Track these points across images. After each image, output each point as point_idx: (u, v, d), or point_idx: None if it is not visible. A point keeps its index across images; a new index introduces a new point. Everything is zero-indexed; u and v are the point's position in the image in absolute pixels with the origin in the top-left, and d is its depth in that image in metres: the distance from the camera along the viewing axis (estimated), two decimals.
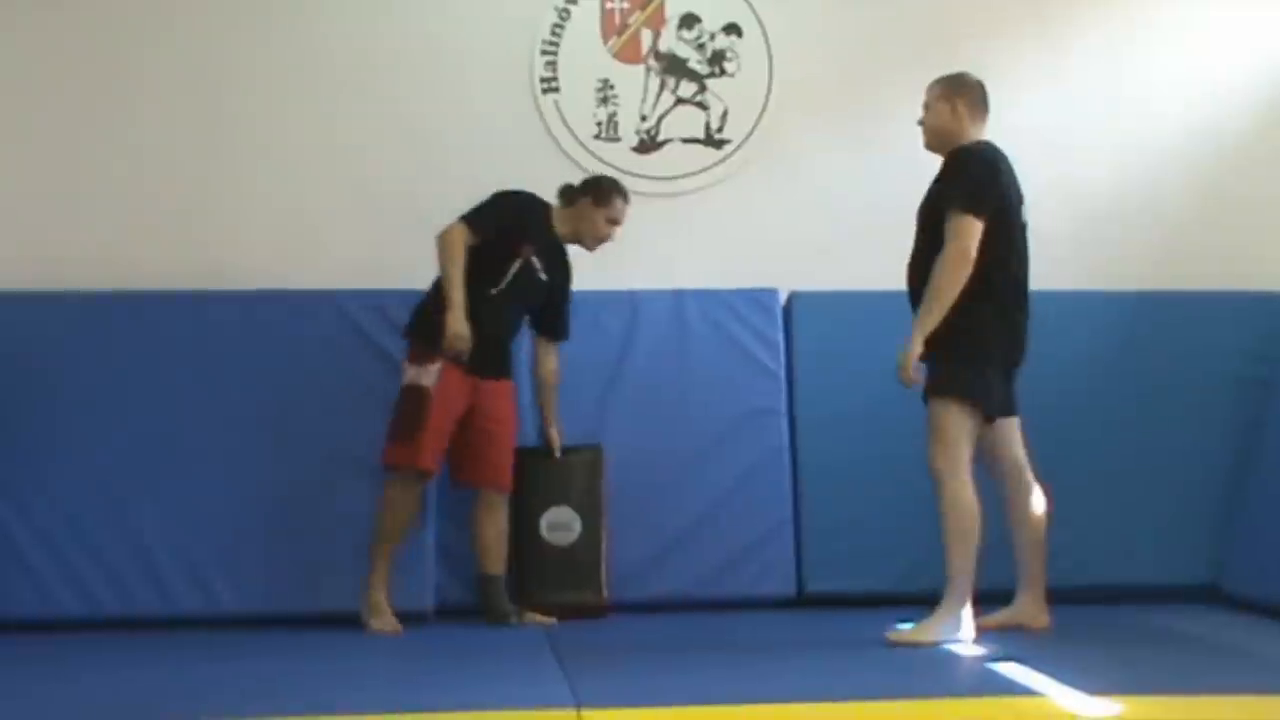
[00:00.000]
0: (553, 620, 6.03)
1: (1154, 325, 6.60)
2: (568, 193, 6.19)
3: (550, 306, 6.22)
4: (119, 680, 5.15)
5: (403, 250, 6.39)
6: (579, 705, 4.50)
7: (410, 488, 5.98)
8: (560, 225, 6.16)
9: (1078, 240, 6.83)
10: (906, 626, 5.59)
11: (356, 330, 6.27)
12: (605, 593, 6.22)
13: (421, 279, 6.06)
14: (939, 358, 5.54)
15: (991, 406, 5.63)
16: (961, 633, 5.52)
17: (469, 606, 6.17)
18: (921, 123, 5.79)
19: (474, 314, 5.90)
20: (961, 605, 5.53)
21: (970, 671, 5.13)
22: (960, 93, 5.74)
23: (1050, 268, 6.68)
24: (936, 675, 5.07)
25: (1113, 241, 6.84)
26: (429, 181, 6.55)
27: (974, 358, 5.57)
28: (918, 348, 5.49)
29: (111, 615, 6.03)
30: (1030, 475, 5.81)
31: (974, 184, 5.56)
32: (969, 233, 5.49)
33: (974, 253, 5.49)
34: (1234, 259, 6.85)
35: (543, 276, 6.10)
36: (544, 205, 6.15)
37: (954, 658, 5.34)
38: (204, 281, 6.38)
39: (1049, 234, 6.79)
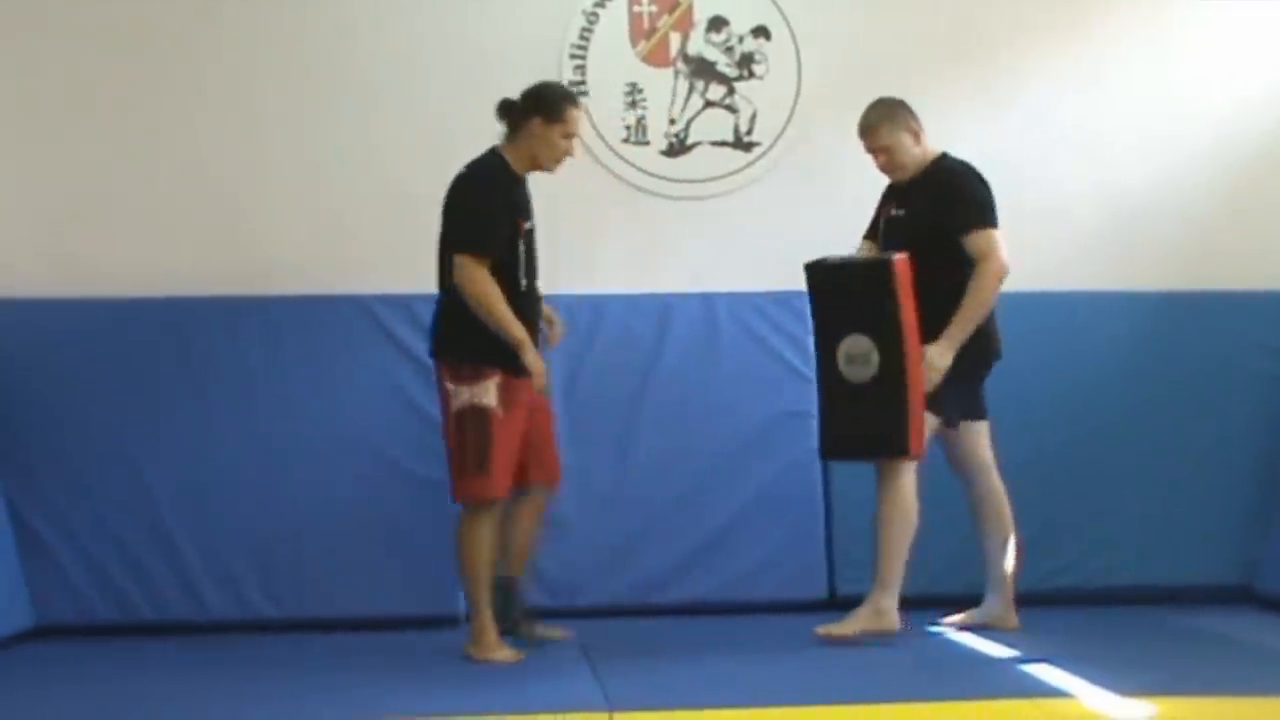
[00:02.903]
0: (569, 635, 5.66)
1: (1184, 324, 6.57)
2: (508, 113, 5.51)
3: None
4: (154, 685, 5.20)
5: (433, 254, 6.39)
6: (611, 708, 4.53)
7: (492, 520, 5.44)
8: (517, 162, 5.51)
9: (1108, 240, 6.80)
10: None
11: (388, 334, 6.28)
12: (908, 437, 5.50)
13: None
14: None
15: (951, 412, 5.65)
16: (885, 624, 5.53)
17: (498, 611, 6.16)
18: (884, 168, 5.77)
19: (518, 315, 5.38)
20: (891, 598, 5.55)
21: (1003, 673, 5.13)
22: (902, 116, 5.73)
23: (1081, 267, 6.71)
24: (969, 677, 5.07)
25: (1143, 241, 6.81)
26: None
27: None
28: (949, 359, 5.54)
29: (145, 621, 6.06)
30: (996, 477, 5.81)
31: (980, 199, 5.63)
32: (998, 246, 5.56)
33: (1007, 265, 5.56)
34: (1264, 258, 6.81)
35: (532, 227, 5.54)
36: (495, 163, 5.52)
37: (986, 659, 5.34)
38: (236, 287, 6.39)
39: (1080, 234, 6.80)
